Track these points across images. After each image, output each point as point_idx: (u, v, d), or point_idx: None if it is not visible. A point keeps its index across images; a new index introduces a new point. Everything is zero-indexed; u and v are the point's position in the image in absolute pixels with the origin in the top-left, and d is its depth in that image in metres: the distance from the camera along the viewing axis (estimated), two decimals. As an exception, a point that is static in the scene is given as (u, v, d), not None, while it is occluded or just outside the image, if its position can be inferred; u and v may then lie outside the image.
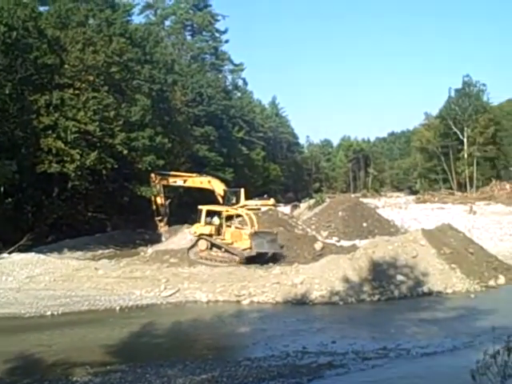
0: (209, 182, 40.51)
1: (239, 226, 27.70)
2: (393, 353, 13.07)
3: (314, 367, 12.16)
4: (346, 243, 29.97)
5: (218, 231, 26.99)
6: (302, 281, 19.86)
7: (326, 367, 12.13)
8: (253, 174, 73.15)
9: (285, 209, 43.36)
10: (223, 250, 26.11)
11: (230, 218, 28.65)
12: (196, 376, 11.39)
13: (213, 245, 26.47)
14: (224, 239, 26.61)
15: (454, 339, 14.03)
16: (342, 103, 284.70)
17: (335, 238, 32.00)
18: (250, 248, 25.39)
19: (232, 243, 26.22)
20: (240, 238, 26.15)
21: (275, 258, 25.82)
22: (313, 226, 33.76)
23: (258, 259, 25.19)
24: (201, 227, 27.07)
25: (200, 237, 26.95)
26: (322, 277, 19.90)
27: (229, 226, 27.26)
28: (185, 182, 40.44)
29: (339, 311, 17.98)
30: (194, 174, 41.34)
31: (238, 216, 28.38)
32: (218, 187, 40.15)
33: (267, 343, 14.21)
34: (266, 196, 46.06)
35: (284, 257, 26.14)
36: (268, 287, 19.96)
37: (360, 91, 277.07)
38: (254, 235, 25.59)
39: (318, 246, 27.25)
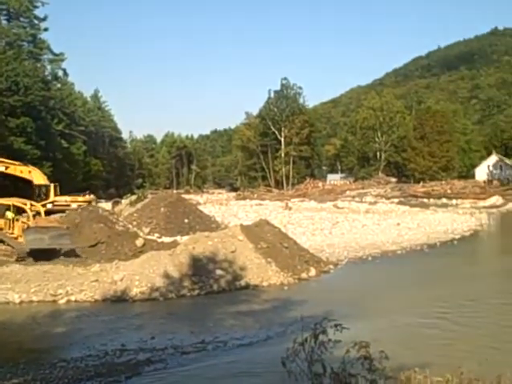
0: (29, 172, 38.28)
1: (24, 220, 26.68)
2: (210, 345, 13.47)
3: (132, 364, 12.15)
4: (167, 239, 30.06)
5: (11, 225, 26.05)
6: (122, 278, 19.64)
7: (144, 363, 12.18)
8: (73, 169, 70.56)
9: (106, 205, 42.38)
10: (6, 243, 25.25)
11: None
12: (6, 381, 10.84)
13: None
14: (13, 233, 25.75)
15: (268, 329, 14.81)
16: (165, 99, 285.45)
17: (157, 235, 31.93)
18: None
19: (17, 238, 25.40)
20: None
21: (62, 253, 24.74)
22: (134, 223, 33.32)
23: (42, 254, 24.03)
24: None
25: None
26: (142, 273, 19.83)
27: (17, 220, 26.27)
28: (6, 168, 37.71)
29: (159, 307, 18.07)
30: (17, 162, 38.81)
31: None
32: (38, 179, 38.08)
33: (84, 343, 13.89)
34: (88, 192, 44.70)
35: (78, 255, 25.25)
36: (86, 285, 19.47)
37: (184, 88, 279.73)
38: (29, 230, 24.75)
39: (139, 242, 27.04)
